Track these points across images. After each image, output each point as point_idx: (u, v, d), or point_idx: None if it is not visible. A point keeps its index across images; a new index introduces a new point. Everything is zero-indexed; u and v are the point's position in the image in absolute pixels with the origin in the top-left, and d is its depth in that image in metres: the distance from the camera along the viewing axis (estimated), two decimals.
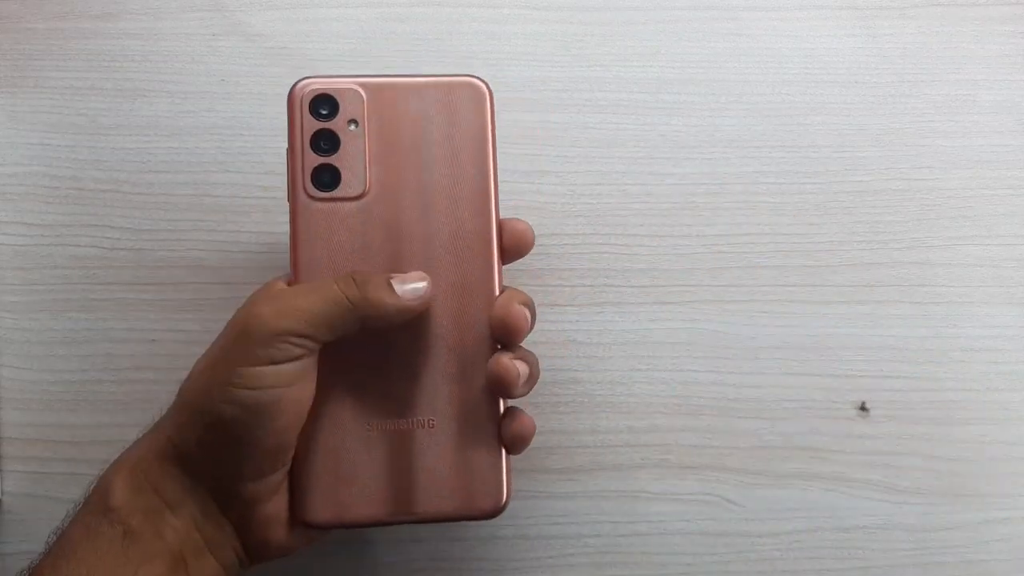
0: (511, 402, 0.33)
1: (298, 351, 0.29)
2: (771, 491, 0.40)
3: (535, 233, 0.35)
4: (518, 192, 0.42)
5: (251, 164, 0.42)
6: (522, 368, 0.31)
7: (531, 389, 0.33)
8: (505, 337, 0.32)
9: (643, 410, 0.41)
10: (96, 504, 0.30)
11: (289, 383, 0.29)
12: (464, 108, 0.33)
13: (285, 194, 0.33)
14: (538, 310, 0.40)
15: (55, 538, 0.30)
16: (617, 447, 0.41)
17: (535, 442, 0.39)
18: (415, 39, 0.43)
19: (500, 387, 0.31)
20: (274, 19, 0.43)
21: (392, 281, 0.31)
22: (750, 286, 0.42)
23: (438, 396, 0.32)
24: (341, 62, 0.43)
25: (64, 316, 0.40)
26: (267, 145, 0.42)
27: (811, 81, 0.44)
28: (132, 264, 0.40)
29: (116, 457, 0.31)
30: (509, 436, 0.32)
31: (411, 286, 0.31)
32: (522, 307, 0.32)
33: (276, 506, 0.31)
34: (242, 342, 0.29)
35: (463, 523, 0.38)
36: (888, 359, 0.42)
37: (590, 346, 0.41)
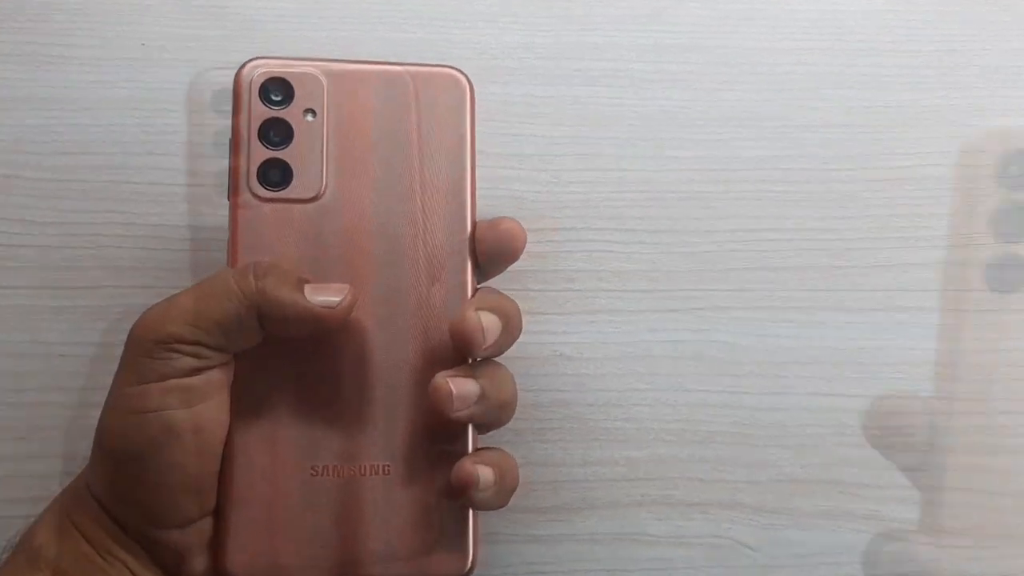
0: (490, 440, 0.32)
1: (192, 362, 0.28)
2: (793, 533, 0.39)
3: None
4: (495, 179, 0.40)
5: (179, 145, 0.39)
6: (468, 386, 0.29)
7: (496, 413, 0.31)
8: (458, 347, 0.30)
9: (642, 437, 0.40)
10: (21, 551, 0.29)
11: (187, 403, 0.28)
12: (441, 103, 0.32)
13: (225, 188, 0.31)
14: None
15: None
16: (612, 481, 0.39)
17: None
18: None
19: (438, 409, 0.29)
20: None
21: (306, 288, 0.29)
22: (768, 290, 0.41)
23: (395, 436, 0.30)
24: (287, 24, 0.40)
25: None
26: (199, 122, 0.39)
27: (839, 49, 0.43)
28: (35, 264, 0.38)
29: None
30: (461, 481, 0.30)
31: (323, 297, 0.29)
32: (484, 313, 0.30)
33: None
34: (130, 355, 0.28)
35: None
36: (932, 376, 0.40)
37: (580, 362, 0.40)
